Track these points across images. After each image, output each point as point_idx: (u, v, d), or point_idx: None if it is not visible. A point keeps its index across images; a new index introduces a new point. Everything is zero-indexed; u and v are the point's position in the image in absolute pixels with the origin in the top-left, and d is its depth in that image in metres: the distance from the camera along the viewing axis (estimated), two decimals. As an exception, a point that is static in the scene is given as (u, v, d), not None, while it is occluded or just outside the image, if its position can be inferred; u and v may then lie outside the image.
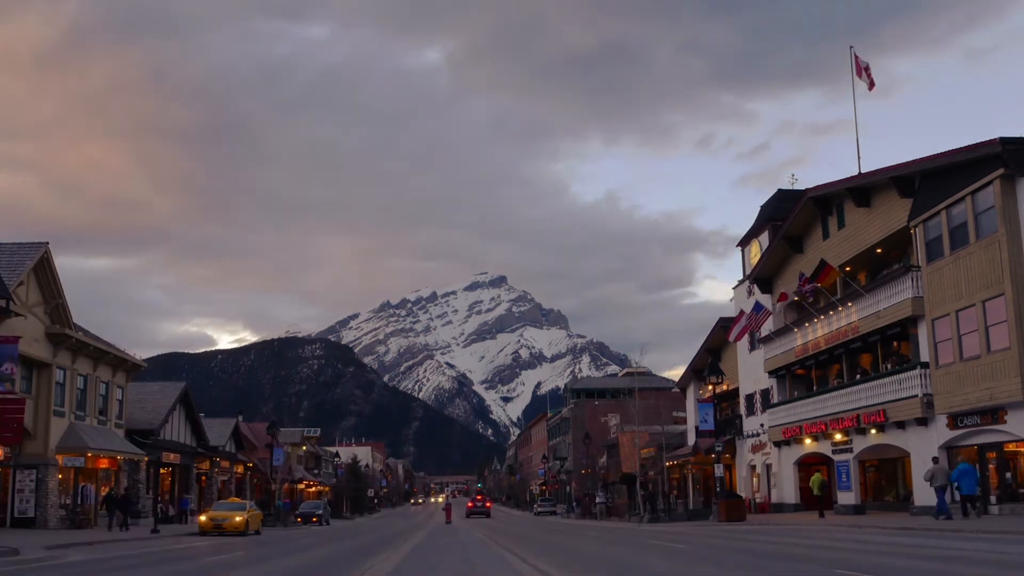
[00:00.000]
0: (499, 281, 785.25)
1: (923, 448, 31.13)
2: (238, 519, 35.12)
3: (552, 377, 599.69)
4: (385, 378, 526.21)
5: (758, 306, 42.98)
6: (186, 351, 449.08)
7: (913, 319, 31.43)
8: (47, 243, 35.10)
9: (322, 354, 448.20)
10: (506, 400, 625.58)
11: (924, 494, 31.02)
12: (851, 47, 35.21)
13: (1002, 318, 26.36)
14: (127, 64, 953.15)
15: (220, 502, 42.70)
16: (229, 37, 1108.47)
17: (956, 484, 26.30)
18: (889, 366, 33.91)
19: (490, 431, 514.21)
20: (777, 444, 43.06)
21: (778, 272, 43.34)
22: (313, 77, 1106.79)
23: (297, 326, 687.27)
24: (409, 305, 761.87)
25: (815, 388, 40.48)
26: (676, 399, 63.13)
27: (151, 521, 39.93)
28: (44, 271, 35.07)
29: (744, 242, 48.71)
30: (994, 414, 27.15)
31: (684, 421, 59.34)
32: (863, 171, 34.71)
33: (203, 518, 35.86)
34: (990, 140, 26.26)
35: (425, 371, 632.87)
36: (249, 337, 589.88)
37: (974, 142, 27.08)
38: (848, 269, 36.84)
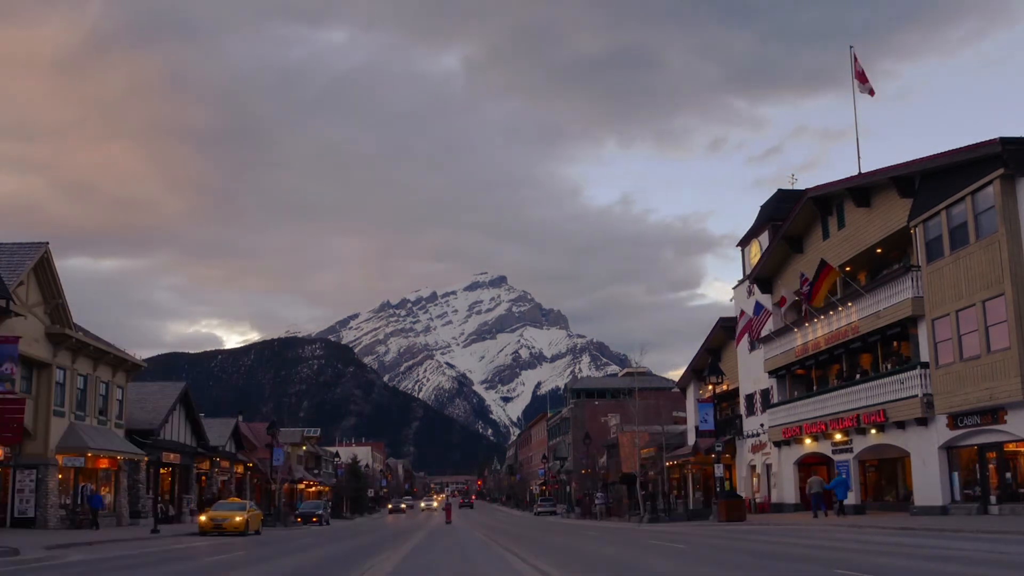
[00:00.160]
0: (499, 281, 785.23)
1: (923, 448, 31.14)
2: (238, 519, 35.12)
3: (552, 377, 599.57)
4: (385, 378, 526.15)
5: (758, 306, 42.99)
6: (186, 351, 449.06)
7: (913, 319, 31.43)
8: (47, 243, 35.09)
9: (322, 354, 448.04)
10: (506, 400, 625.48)
11: (925, 494, 31.06)
12: (851, 47, 35.23)
13: (1002, 318, 26.36)
14: (145, 67, 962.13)
15: (220, 502, 42.68)
16: (248, 41, 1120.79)
17: (833, 491, 34.32)
18: (889, 366, 33.91)
19: (490, 431, 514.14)
20: (777, 444, 43.06)
21: (778, 272, 43.33)
22: (330, 80, 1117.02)
23: (297, 326, 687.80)
24: (409, 305, 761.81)
25: (815, 388, 40.48)
26: (676, 399, 63.13)
27: (151, 521, 39.93)
28: (44, 271, 35.06)
29: (744, 242, 48.71)
30: (994, 414, 27.16)
31: (684, 421, 59.34)
32: (863, 171, 34.73)
33: (203, 518, 35.87)
34: (990, 140, 26.26)
35: (425, 371, 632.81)
36: (255, 338, 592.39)
37: (974, 142, 27.10)
38: (848, 269, 36.83)
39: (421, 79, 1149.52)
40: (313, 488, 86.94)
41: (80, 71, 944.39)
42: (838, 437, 37.01)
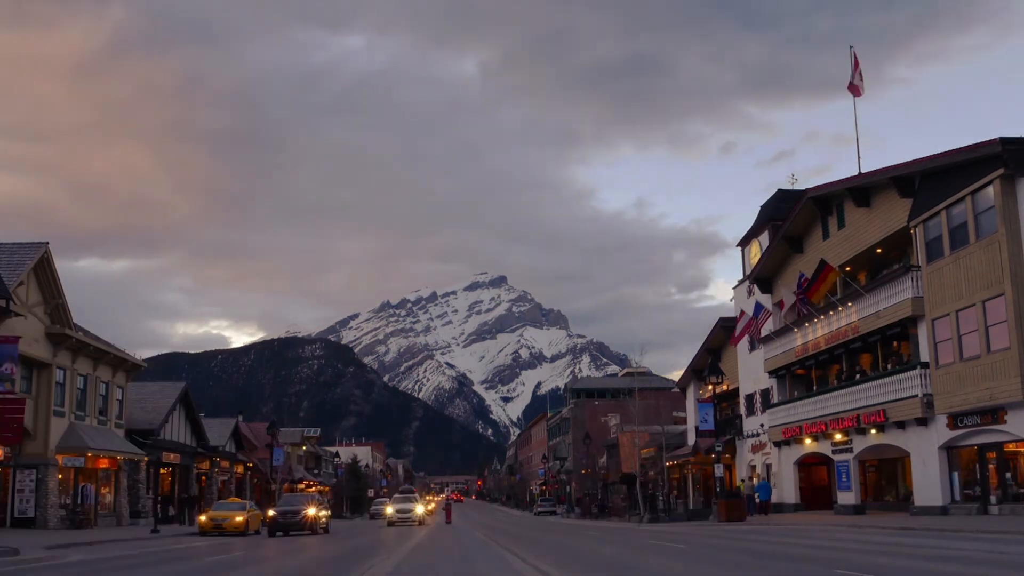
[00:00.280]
0: (499, 281, 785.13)
1: (923, 448, 31.13)
2: (238, 519, 35.12)
3: (552, 377, 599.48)
4: (385, 378, 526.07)
5: (758, 306, 42.99)
6: (187, 351, 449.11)
7: (913, 319, 31.42)
8: (47, 243, 35.10)
9: (322, 354, 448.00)
10: (506, 400, 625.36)
11: (925, 494, 31.06)
12: (851, 47, 35.24)
13: (1002, 318, 26.36)
14: (161, 71, 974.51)
15: (220, 502, 42.70)
16: (267, 46, 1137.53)
17: (757, 493, 39.74)
18: (889, 366, 33.91)
19: (490, 431, 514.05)
20: (777, 444, 43.05)
21: (778, 272, 43.32)
22: (347, 84, 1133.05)
23: (297, 326, 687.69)
24: (409, 305, 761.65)
25: (815, 388, 40.47)
26: (676, 399, 63.12)
27: (151, 521, 39.93)
28: (44, 271, 35.07)
29: (744, 242, 48.71)
30: (994, 414, 27.15)
31: (684, 421, 59.33)
32: (863, 171, 34.73)
33: (203, 518, 35.86)
34: (990, 140, 26.25)
35: (425, 371, 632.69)
36: (259, 339, 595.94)
37: (974, 142, 27.10)
38: (848, 269, 36.82)
39: (437, 83, 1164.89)
40: (313, 488, 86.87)
41: (97, 74, 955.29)
42: (838, 437, 37.01)
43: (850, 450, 36.36)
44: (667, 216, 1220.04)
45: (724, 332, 50.31)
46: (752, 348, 46.63)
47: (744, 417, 48.86)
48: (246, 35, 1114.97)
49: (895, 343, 34.49)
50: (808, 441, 39.68)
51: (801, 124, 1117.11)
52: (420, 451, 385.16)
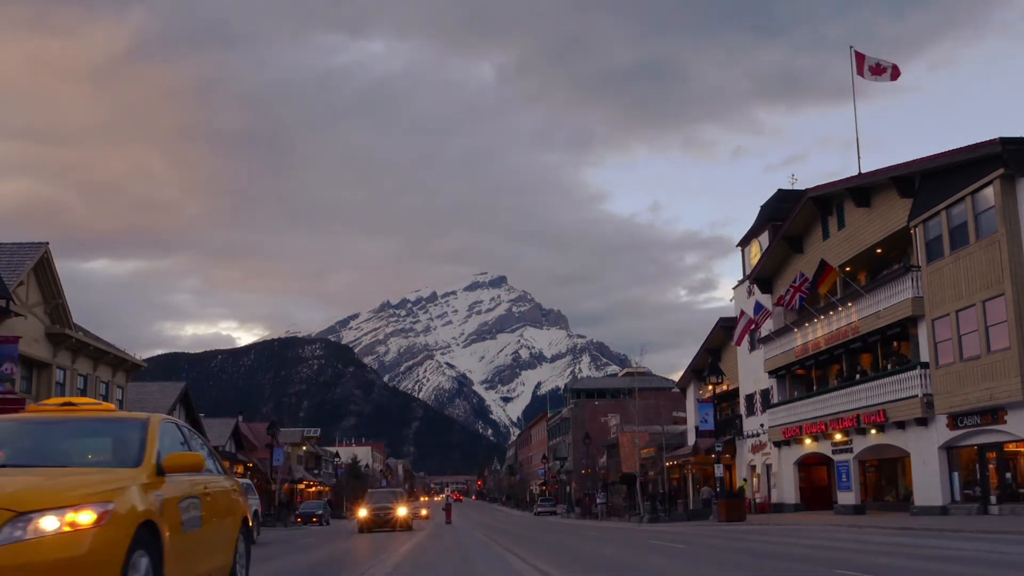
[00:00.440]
0: (499, 281, 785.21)
1: (923, 448, 31.14)
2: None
3: (552, 377, 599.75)
4: (385, 378, 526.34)
5: (758, 306, 43.00)
6: (187, 351, 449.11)
7: (913, 319, 31.42)
8: (47, 243, 35.10)
9: (322, 354, 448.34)
10: (506, 400, 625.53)
11: (925, 494, 31.05)
12: (851, 47, 35.22)
13: (1002, 318, 26.36)
14: (181, 74, 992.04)
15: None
16: (287, 50, 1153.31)
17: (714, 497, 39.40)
18: (889, 366, 33.91)
19: (490, 431, 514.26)
20: (777, 444, 43.05)
21: (778, 272, 43.33)
22: (365, 88, 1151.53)
23: (297, 326, 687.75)
24: (409, 305, 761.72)
25: (815, 388, 40.48)
26: (676, 399, 63.12)
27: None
28: (44, 271, 35.07)
29: (744, 242, 48.72)
30: (994, 414, 27.15)
31: (684, 421, 59.33)
32: (863, 171, 34.74)
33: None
34: (990, 140, 26.26)
35: (425, 371, 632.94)
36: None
37: (974, 142, 27.11)
38: (848, 269, 36.84)
39: (454, 87, 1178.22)
40: (313, 488, 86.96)
41: (115, 78, 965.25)
42: (838, 437, 37.01)
43: (850, 450, 36.36)
44: (678, 219, 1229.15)
45: (724, 332, 50.32)
46: (752, 348, 46.64)
47: (744, 417, 48.86)
48: (266, 39, 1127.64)
49: (895, 343, 34.50)
50: (808, 441, 39.69)
51: (813, 129, 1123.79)
52: (420, 451, 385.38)
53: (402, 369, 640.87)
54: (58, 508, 5.56)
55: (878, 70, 34.29)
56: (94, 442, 7.60)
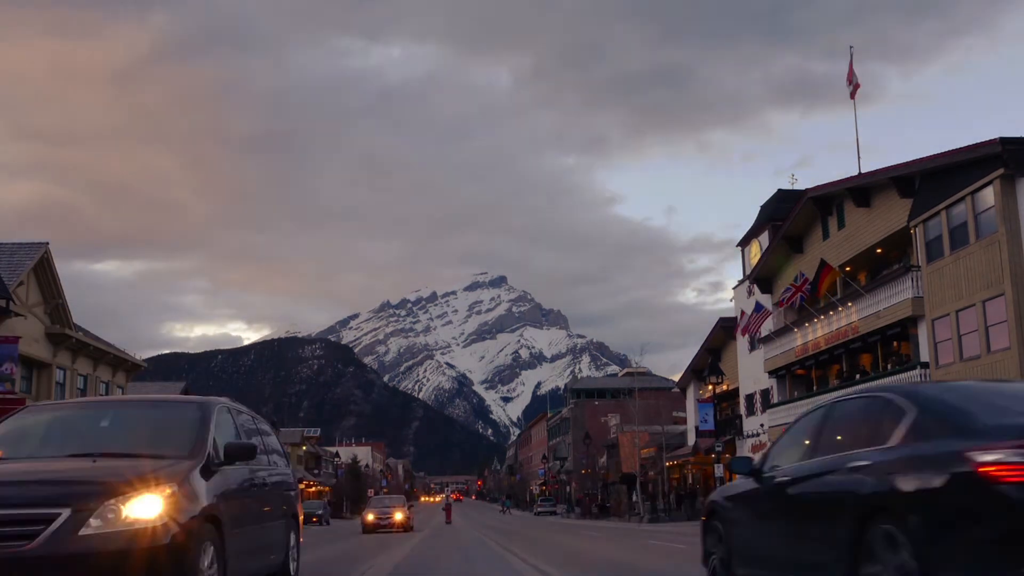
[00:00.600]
0: (499, 281, 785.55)
1: (923, 448, 31.10)
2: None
3: (552, 377, 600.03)
4: (385, 378, 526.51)
5: (758, 306, 43.01)
6: (187, 351, 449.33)
7: (913, 319, 31.42)
8: (47, 243, 35.12)
9: (322, 354, 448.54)
10: (506, 400, 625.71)
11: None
12: (851, 47, 35.30)
13: (1002, 318, 26.36)
14: (200, 77, 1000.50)
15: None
16: (305, 54, 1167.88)
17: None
18: (889, 366, 33.90)
19: (490, 431, 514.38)
20: (777, 444, 43.01)
21: (778, 272, 43.33)
22: (382, 91, 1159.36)
23: (297, 326, 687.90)
24: (409, 305, 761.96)
25: (815, 388, 40.47)
26: (676, 399, 63.12)
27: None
28: (44, 271, 35.08)
29: (744, 242, 48.74)
30: (994, 414, 27.12)
31: (684, 421, 59.32)
32: (863, 171, 34.75)
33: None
34: (990, 140, 26.25)
35: (425, 371, 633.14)
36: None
37: (974, 142, 27.11)
38: (848, 269, 36.84)
39: (470, 91, 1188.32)
40: (313, 488, 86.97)
41: (135, 81, 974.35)
42: (838, 437, 36.96)
43: (850, 450, 36.30)
44: (691, 222, 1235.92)
45: (724, 332, 50.35)
46: (752, 348, 46.65)
47: (744, 417, 48.86)
48: (285, 43, 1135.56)
49: (895, 343, 34.49)
50: (808, 441, 39.63)
51: (825, 133, 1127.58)
52: (420, 451, 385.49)
53: (402, 369, 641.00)
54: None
55: (851, 81, 35.15)
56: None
